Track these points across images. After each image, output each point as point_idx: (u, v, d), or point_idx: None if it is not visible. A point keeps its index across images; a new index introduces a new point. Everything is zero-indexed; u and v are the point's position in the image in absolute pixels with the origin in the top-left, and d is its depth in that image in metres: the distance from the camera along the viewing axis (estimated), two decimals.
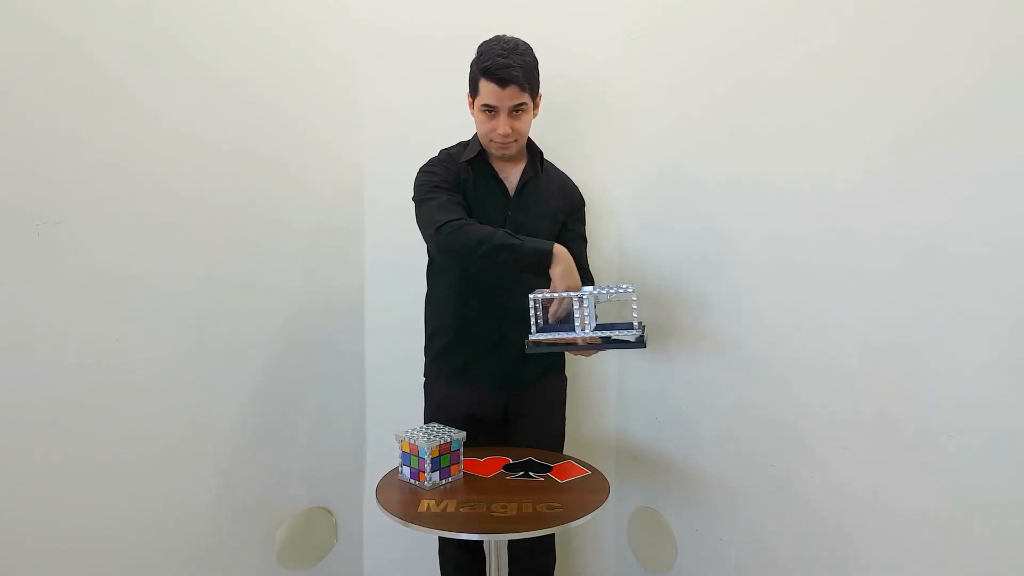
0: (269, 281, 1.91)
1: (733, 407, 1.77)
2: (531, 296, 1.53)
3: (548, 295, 1.53)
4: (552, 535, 1.89)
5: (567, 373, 1.92)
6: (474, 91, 1.66)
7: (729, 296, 1.77)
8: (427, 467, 1.47)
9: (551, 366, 1.86)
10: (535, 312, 1.52)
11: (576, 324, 1.50)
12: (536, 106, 1.71)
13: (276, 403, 1.94)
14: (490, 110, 1.64)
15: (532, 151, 1.79)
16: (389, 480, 1.56)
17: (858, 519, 1.46)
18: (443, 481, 1.51)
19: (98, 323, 1.55)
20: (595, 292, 1.50)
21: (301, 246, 1.98)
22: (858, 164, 1.42)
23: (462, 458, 1.55)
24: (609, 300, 1.57)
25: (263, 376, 1.91)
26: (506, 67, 1.58)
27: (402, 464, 1.54)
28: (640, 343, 1.50)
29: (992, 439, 1.22)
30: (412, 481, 1.51)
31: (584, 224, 1.89)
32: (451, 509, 1.39)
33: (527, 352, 1.52)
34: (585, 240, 1.87)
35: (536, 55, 1.66)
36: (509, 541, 1.82)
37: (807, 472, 1.58)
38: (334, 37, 2.02)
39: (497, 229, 1.58)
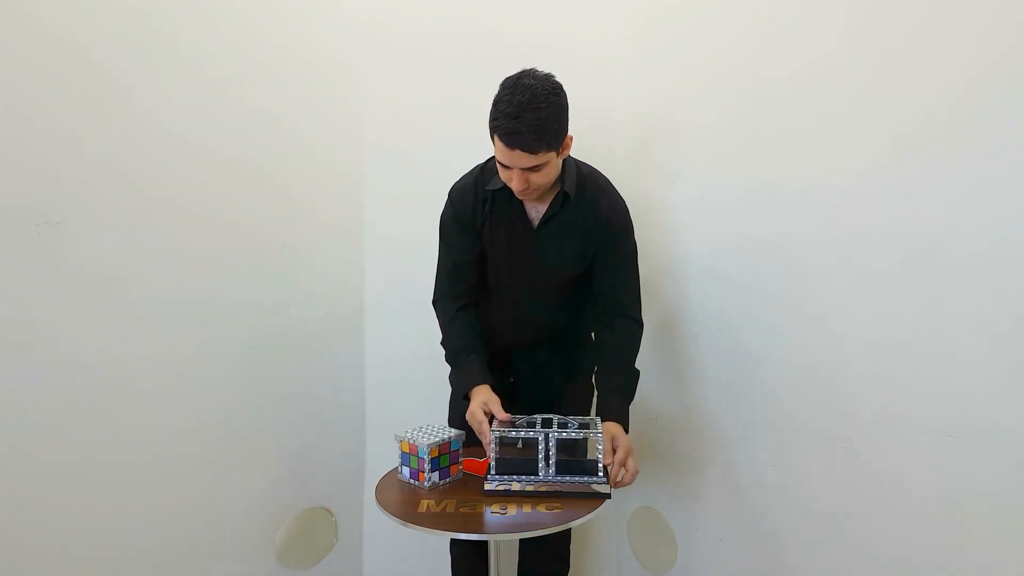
0: (269, 280, 1.91)
1: (733, 407, 1.77)
2: (492, 430, 1.50)
3: (509, 432, 1.50)
4: (567, 543, 1.88)
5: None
6: (491, 136, 1.49)
7: (730, 296, 1.77)
8: (426, 467, 1.47)
9: (581, 374, 1.82)
10: (496, 449, 1.50)
11: (539, 468, 1.48)
12: (565, 147, 1.53)
13: (276, 403, 1.94)
14: (504, 165, 1.50)
15: (566, 186, 1.60)
16: (389, 480, 1.55)
17: (859, 518, 1.46)
18: (442, 481, 1.51)
19: (98, 323, 1.55)
20: (557, 435, 1.47)
21: (301, 246, 1.98)
22: (859, 164, 1.42)
23: (461, 458, 1.55)
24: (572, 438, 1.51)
25: (263, 376, 1.91)
26: (513, 132, 1.40)
27: (402, 464, 1.54)
28: (607, 495, 1.43)
29: (993, 438, 1.22)
30: (412, 481, 1.51)
31: (621, 251, 1.68)
32: (451, 509, 1.39)
33: (484, 493, 1.45)
34: (624, 268, 1.69)
35: (564, 96, 1.47)
36: (521, 547, 1.83)
37: (807, 472, 1.57)
38: (333, 39, 2.01)
39: (454, 346, 1.68)
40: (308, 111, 1.96)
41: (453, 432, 1.54)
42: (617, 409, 1.63)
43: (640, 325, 1.72)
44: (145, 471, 1.65)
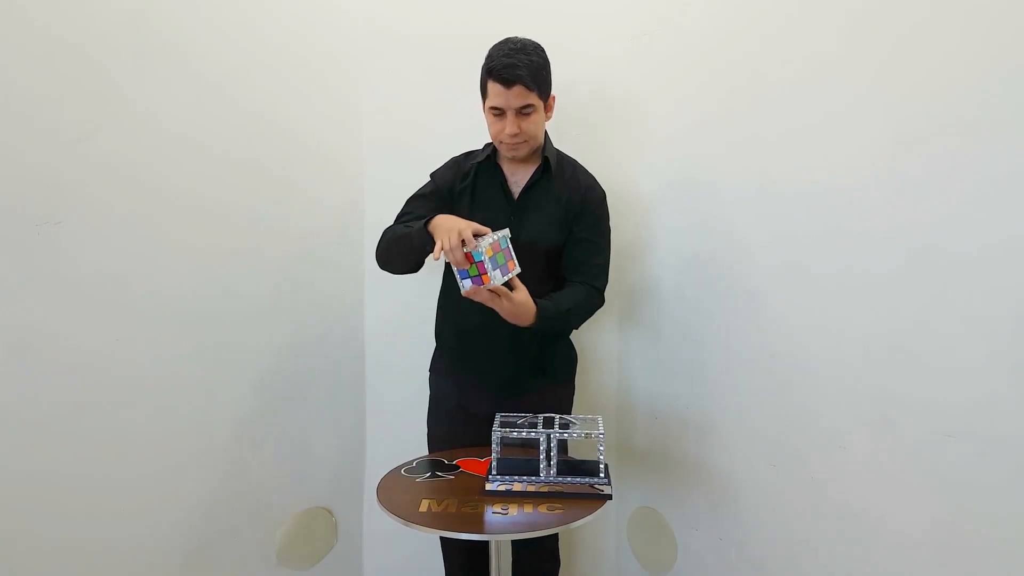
0: (269, 281, 1.90)
1: (733, 407, 1.77)
2: (494, 431, 1.50)
3: (512, 432, 1.50)
4: (556, 541, 1.88)
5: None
6: (483, 93, 1.65)
7: (730, 296, 1.77)
8: (488, 267, 1.45)
9: (557, 375, 1.82)
10: (497, 448, 1.50)
11: (541, 468, 1.48)
12: (549, 107, 1.68)
13: (277, 403, 1.94)
14: (498, 112, 1.62)
15: (546, 152, 1.72)
16: (389, 480, 1.55)
17: (858, 520, 1.46)
18: (504, 277, 1.49)
19: (98, 323, 1.54)
20: (559, 434, 1.48)
21: (302, 246, 1.98)
22: (859, 164, 1.42)
23: (512, 254, 1.51)
24: (575, 437, 1.51)
25: (263, 376, 1.90)
26: (510, 67, 1.56)
27: (460, 279, 1.50)
28: (608, 495, 1.44)
29: (991, 439, 1.22)
30: (473, 287, 1.48)
31: (595, 227, 1.75)
32: (452, 509, 1.39)
33: (485, 493, 1.46)
34: (592, 242, 1.73)
35: (546, 55, 1.64)
36: (513, 547, 1.83)
37: (807, 472, 1.58)
38: (334, 38, 2.01)
39: (401, 226, 1.67)
40: (309, 115, 1.96)
41: (499, 233, 1.51)
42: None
43: (600, 295, 1.75)
44: (144, 471, 1.65)
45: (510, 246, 1.52)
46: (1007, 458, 1.20)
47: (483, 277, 1.47)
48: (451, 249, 1.46)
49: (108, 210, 1.55)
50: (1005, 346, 1.19)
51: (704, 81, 1.82)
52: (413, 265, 1.69)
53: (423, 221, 1.59)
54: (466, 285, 1.50)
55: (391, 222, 1.77)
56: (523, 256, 1.65)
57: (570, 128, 2.05)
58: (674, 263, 1.94)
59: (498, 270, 1.48)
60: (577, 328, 1.79)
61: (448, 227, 1.51)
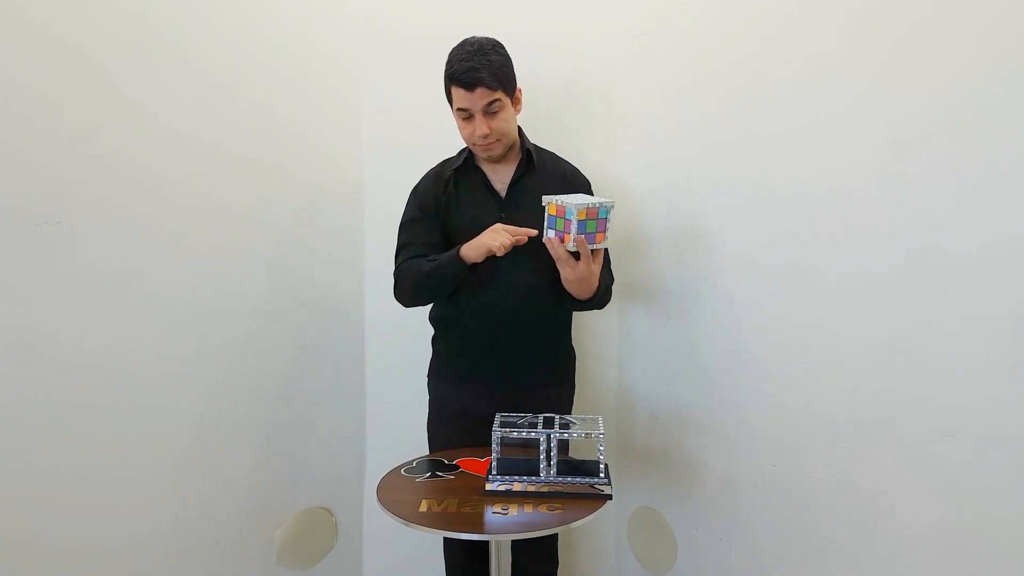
0: (270, 281, 1.91)
1: (733, 407, 1.77)
2: (494, 431, 1.50)
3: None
4: (555, 542, 1.88)
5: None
6: (449, 99, 1.65)
7: (730, 296, 1.77)
8: (573, 228, 1.43)
9: (557, 375, 1.83)
10: (497, 448, 1.50)
11: (541, 468, 1.48)
12: (517, 100, 1.68)
13: (277, 403, 1.94)
14: (466, 114, 1.62)
15: (524, 147, 1.74)
16: (390, 480, 1.55)
17: (858, 520, 1.46)
18: (590, 246, 1.48)
19: (98, 323, 1.55)
20: (559, 434, 1.47)
21: (302, 246, 1.98)
22: (859, 164, 1.42)
23: (609, 227, 1.49)
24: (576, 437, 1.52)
25: (263, 376, 1.91)
26: (470, 70, 1.56)
27: (547, 227, 1.49)
28: (608, 496, 1.45)
29: (991, 439, 1.22)
30: (555, 240, 1.49)
31: None
32: (452, 509, 1.39)
33: (485, 493, 1.46)
34: None
35: (507, 51, 1.64)
36: (512, 547, 1.83)
37: (807, 473, 1.58)
38: (334, 38, 2.01)
39: (419, 260, 1.67)
40: (309, 114, 1.96)
41: (603, 199, 1.49)
42: None
43: (611, 277, 1.78)
44: (144, 471, 1.65)
45: (609, 218, 1.49)
46: (1007, 458, 1.20)
47: (565, 236, 1.46)
48: (509, 244, 1.55)
49: (108, 210, 1.55)
50: (1005, 346, 1.19)
51: (704, 81, 1.82)
52: (445, 295, 1.71)
53: (453, 252, 1.62)
54: (549, 234, 1.49)
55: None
56: (521, 249, 1.64)
57: (570, 127, 2.05)
58: (673, 263, 1.94)
59: (584, 236, 1.46)
60: (601, 309, 1.79)
61: (490, 240, 1.58)
